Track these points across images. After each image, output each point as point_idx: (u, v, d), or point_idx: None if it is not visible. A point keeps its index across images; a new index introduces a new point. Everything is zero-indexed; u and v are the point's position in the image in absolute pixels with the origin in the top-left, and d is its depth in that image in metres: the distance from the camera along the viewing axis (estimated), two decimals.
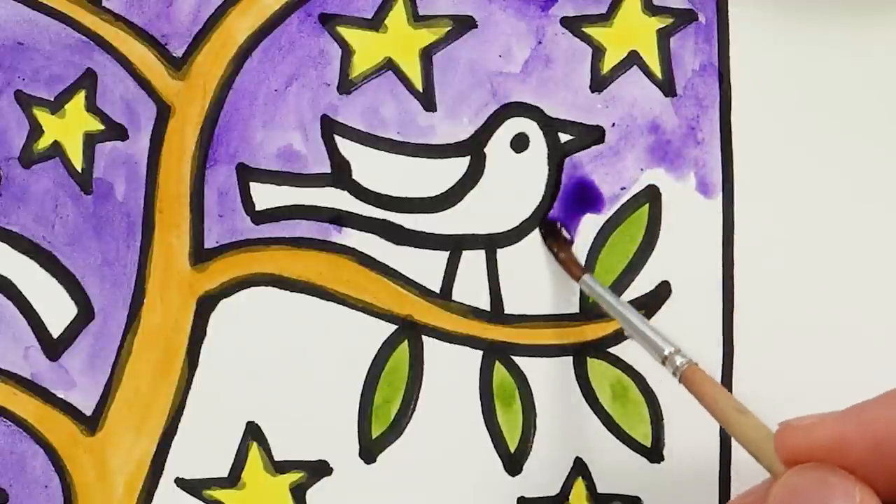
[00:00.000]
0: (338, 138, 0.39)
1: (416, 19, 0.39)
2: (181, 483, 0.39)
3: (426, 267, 0.39)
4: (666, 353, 0.32)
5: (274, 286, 0.39)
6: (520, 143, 0.39)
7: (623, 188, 0.39)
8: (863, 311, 0.39)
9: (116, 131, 0.39)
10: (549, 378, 0.39)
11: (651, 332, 0.34)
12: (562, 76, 0.39)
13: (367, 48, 0.39)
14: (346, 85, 0.39)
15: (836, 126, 0.39)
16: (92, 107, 0.39)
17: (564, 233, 0.39)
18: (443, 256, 0.39)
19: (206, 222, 0.39)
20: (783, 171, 0.39)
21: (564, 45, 0.39)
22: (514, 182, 0.39)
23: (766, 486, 0.26)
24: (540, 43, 0.39)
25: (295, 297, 0.39)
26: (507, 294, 0.39)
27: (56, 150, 0.39)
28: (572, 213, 0.39)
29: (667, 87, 0.39)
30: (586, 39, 0.39)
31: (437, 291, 0.39)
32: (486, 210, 0.39)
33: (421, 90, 0.39)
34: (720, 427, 0.39)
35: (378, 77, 0.39)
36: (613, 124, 0.39)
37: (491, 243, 0.39)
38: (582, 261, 0.39)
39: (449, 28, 0.39)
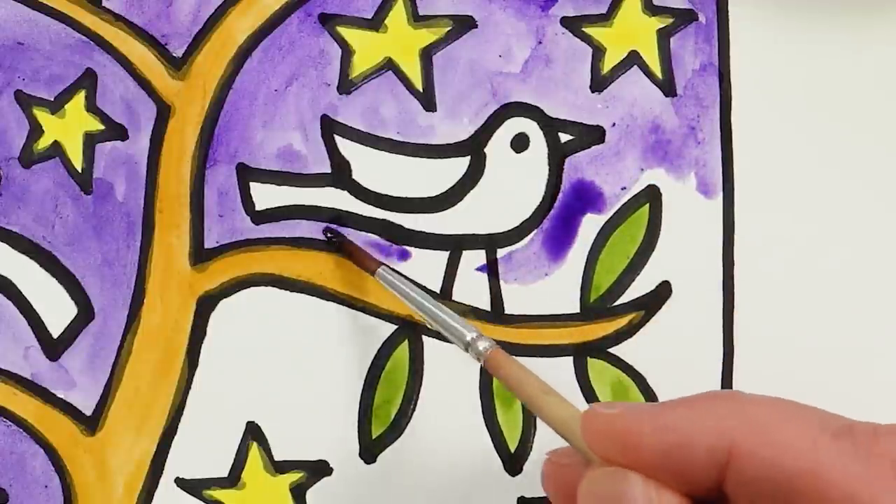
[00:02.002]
0: (338, 138, 0.39)
1: (416, 19, 0.39)
2: (181, 483, 0.39)
3: (426, 267, 0.39)
4: (468, 338, 0.31)
5: (274, 286, 0.39)
6: (520, 143, 0.39)
7: (623, 188, 0.39)
8: (863, 311, 0.39)
9: (116, 131, 0.39)
10: (549, 378, 0.39)
11: (451, 318, 0.33)
12: (562, 76, 0.39)
13: (367, 48, 0.39)
14: (346, 85, 0.39)
15: (837, 126, 0.39)
16: (92, 107, 0.39)
17: (343, 235, 0.39)
18: (443, 256, 0.39)
19: (206, 222, 0.39)
20: (783, 170, 0.39)
21: (564, 45, 0.39)
22: (514, 182, 0.39)
23: (577, 455, 0.27)
24: (540, 43, 0.39)
25: (295, 297, 0.39)
26: (507, 294, 0.39)
27: (56, 150, 0.39)
28: (572, 213, 0.39)
29: (667, 87, 0.39)
30: (586, 39, 0.39)
31: (437, 291, 0.39)
32: (486, 210, 0.39)
33: (421, 90, 0.39)
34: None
35: (378, 77, 0.39)
36: (613, 124, 0.39)
37: (491, 243, 0.39)
38: (582, 261, 0.39)
39: (449, 28, 0.39)
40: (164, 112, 0.39)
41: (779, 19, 0.39)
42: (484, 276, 0.39)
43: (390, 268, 0.37)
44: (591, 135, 0.39)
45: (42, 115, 0.39)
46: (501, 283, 0.39)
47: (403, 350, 0.39)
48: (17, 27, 0.39)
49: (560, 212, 0.39)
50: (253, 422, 0.39)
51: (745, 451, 0.24)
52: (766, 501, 0.24)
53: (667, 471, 0.25)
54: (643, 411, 0.26)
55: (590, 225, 0.39)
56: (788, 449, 0.24)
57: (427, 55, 0.39)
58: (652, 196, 0.39)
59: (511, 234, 0.39)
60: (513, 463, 0.39)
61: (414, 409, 0.39)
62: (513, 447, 0.39)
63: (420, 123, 0.39)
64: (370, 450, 0.39)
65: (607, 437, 0.26)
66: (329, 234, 0.38)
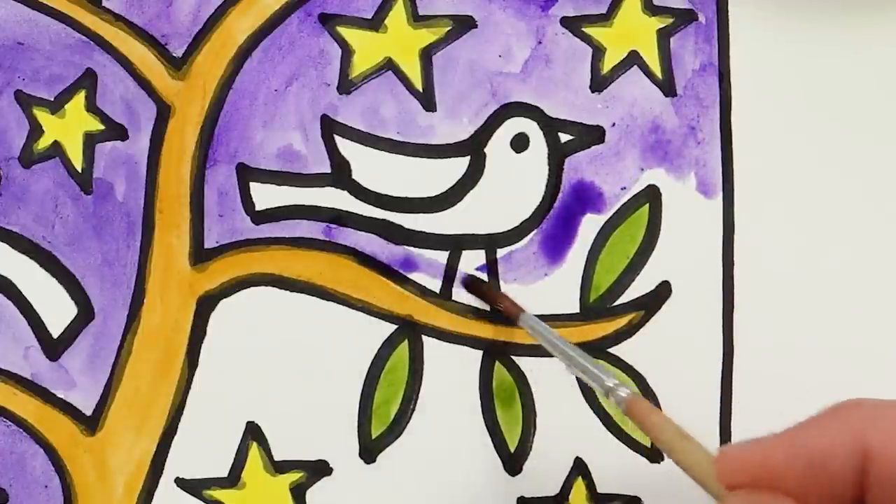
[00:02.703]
0: (338, 138, 0.39)
1: (416, 19, 0.39)
2: (181, 483, 0.39)
3: (426, 267, 0.39)
4: (610, 384, 0.32)
5: (274, 286, 0.39)
6: (520, 143, 0.39)
7: (623, 188, 0.39)
8: (863, 311, 0.39)
9: (116, 131, 0.39)
10: (549, 378, 0.39)
11: (593, 366, 0.33)
12: (562, 76, 0.39)
13: (367, 48, 0.39)
14: (346, 85, 0.39)
15: (837, 126, 0.39)
16: (92, 107, 0.39)
17: (485, 280, 0.39)
18: (443, 256, 0.39)
19: (206, 222, 0.39)
20: (783, 171, 0.39)
21: (564, 45, 0.39)
22: (514, 182, 0.39)
23: None
24: (540, 43, 0.39)
25: (295, 297, 0.39)
26: (506, 294, 0.39)
27: (56, 150, 0.39)
28: (572, 213, 0.39)
29: (667, 87, 0.39)
30: (586, 39, 0.39)
31: (437, 291, 0.39)
32: (486, 210, 0.39)
33: (421, 90, 0.39)
34: (720, 427, 0.39)
35: (378, 77, 0.39)
36: (613, 124, 0.39)
37: (491, 243, 0.39)
38: (582, 261, 0.39)
39: (449, 28, 0.39)
40: (164, 112, 0.39)
41: (779, 19, 0.39)
42: (484, 276, 0.39)
43: (532, 315, 0.37)
44: (591, 135, 0.39)
45: (42, 115, 0.39)
46: (501, 283, 0.39)
47: (403, 350, 0.39)
48: (17, 27, 0.39)
49: (560, 212, 0.39)
50: (253, 422, 0.39)
51: (883, 453, 0.24)
52: None
53: (809, 492, 0.25)
54: (774, 439, 0.26)
55: (590, 225, 0.39)
56: None
57: (427, 55, 0.39)
58: (652, 196, 0.39)
59: (511, 234, 0.39)
60: (513, 463, 0.39)
61: (414, 409, 0.39)
62: (513, 447, 0.39)
63: (420, 123, 0.39)
64: (370, 450, 0.39)
65: (743, 471, 0.26)
66: (472, 282, 0.39)
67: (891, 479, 0.24)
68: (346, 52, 0.39)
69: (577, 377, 0.38)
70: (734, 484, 0.26)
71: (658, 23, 0.39)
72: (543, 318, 0.39)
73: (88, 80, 0.39)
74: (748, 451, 0.26)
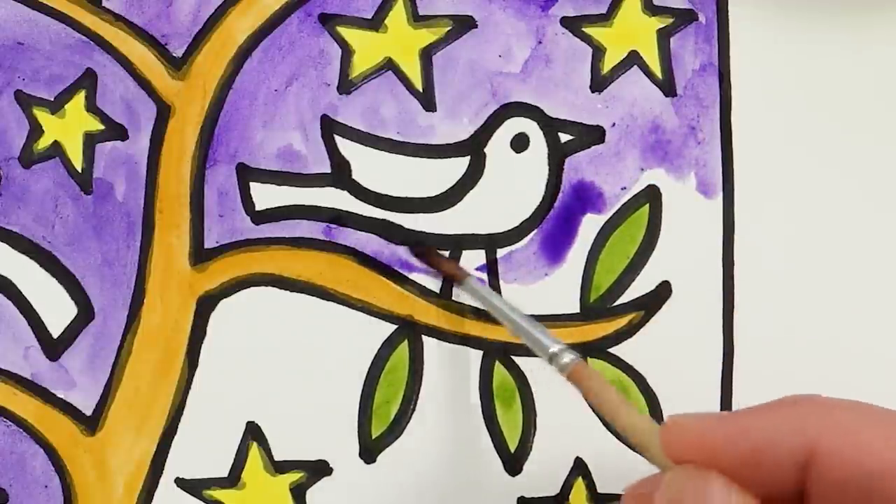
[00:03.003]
0: (338, 138, 0.39)
1: (416, 19, 0.39)
2: (181, 483, 0.39)
3: (426, 267, 0.39)
4: (553, 350, 0.32)
5: (274, 286, 0.39)
6: (520, 143, 0.39)
7: (623, 188, 0.39)
8: (863, 311, 0.39)
9: (116, 131, 0.39)
10: (549, 378, 0.39)
11: (537, 330, 0.33)
12: (562, 76, 0.39)
13: (367, 48, 0.39)
14: (346, 85, 0.39)
15: (837, 126, 0.39)
16: (92, 107, 0.39)
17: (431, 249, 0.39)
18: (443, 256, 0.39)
19: (206, 222, 0.39)
20: (783, 171, 0.39)
21: (564, 45, 0.39)
22: (514, 182, 0.39)
23: (657, 479, 0.27)
24: (540, 43, 0.39)
25: (295, 297, 0.39)
26: (507, 294, 0.39)
27: (56, 150, 0.39)
28: (572, 213, 0.39)
29: (667, 87, 0.39)
30: (586, 39, 0.39)
31: (437, 291, 0.39)
32: (486, 210, 0.39)
33: (421, 90, 0.39)
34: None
35: (378, 77, 0.39)
36: (613, 124, 0.39)
37: (491, 243, 0.39)
38: (582, 261, 0.39)
39: (449, 28, 0.39)
40: (164, 112, 0.39)
41: (779, 19, 0.39)
42: (484, 276, 0.39)
43: (478, 278, 0.37)
44: (591, 135, 0.39)
45: (42, 115, 0.39)
46: (501, 283, 0.39)
47: (403, 350, 0.39)
48: (17, 27, 0.39)
49: (560, 212, 0.39)
50: (253, 422, 0.39)
51: (829, 452, 0.24)
52: (848, 503, 0.24)
53: (748, 475, 0.25)
54: (723, 417, 0.26)
55: (590, 225, 0.39)
56: (873, 450, 0.24)
57: (427, 55, 0.39)
58: (652, 196, 0.39)
59: (511, 234, 0.39)
60: (513, 463, 0.39)
61: (414, 409, 0.39)
62: (513, 447, 0.39)
63: (420, 123, 0.39)
64: (370, 450, 0.39)
65: (688, 444, 0.26)
66: (416, 249, 0.39)
67: (831, 479, 0.24)
68: (346, 52, 0.39)
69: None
70: (678, 456, 0.26)
71: (658, 23, 0.39)
72: (543, 318, 0.39)
73: (88, 80, 0.39)
74: (693, 426, 0.26)
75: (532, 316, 0.38)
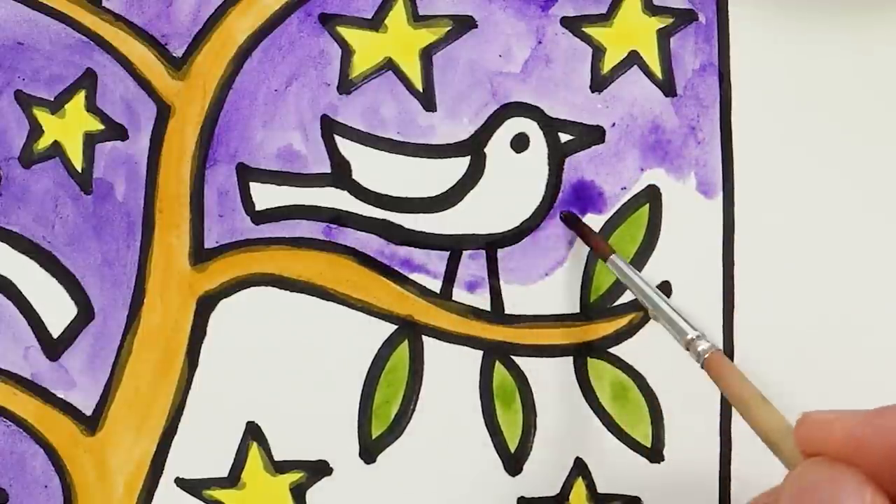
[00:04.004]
0: (338, 138, 0.39)
1: (416, 19, 0.39)
2: (181, 483, 0.39)
3: (426, 267, 0.39)
4: (689, 336, 0.31)
5: (274, 286, 0.39)
6: (520, 143, 0.39)
7: (623, 188, 0.39)
8: (863, 311, 0.39)
9: (116, 131, 0.39)
10: (549, 378, 0.39)
11: (676, 315, 0.33)
12: (562, 76, 0.39)
13: (367, 48, 0.39)
14: (346, 85, 0.39)
15: (837, 126, 0.39)
16: (92, 107, 0.39)
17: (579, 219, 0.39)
18: (443, 256, 0.39)
19: (206, 222, 0.39)
20: (783, 171, 0.39)
21: (564, 45, 0.39)
22: (514, 182, 0.39)
23: (780, 490, 0.26)
24: (540, 43, 0.39)
25: (295, 297, 0.39)
26: (506, 294, 0.39)
27: (56, 150, 0.39)
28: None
29: (667, 87, 0.39)
30: (586, 39, 0.39)
31: (437, 291, 0.39)
32: (486, 210, 0.39)
33: (421, 90, 0.39)
34: (720, 427, 0.39)
35: (378, 77, 0.39)
36: (613, 124, 0.39)
37: (491, 243, 0.39)
38: (582, 261, 0.39)
39: (449, 28, 0.39)
40: (164, 112, 0.39)
41: (779, 19, 0.39)
42: (484, 276, 0.39)
43: (621, 256, 0.37)
44: (591, 135, 0.39)
45: (42, 115, 0.39)
46: (501, 283, 0.39)
47: (403, 350, 0.39)
48: (17, 27, 0.39)
49: (560, 212, 0.39)
50: (253, 422, 0.39)
51: None
52: None
53: (885, 475, 0.24)
54: (861, 415, 0.25)
55: (590, 225, 0.39)
56: None
57: (427, 55, 0.39)
58: (652, 196, 0.39)
59: (511, 234, 0.39)
60: (513, 463, 0.39)
61: (414, 409, 0.39)
62: (513, 447, 0.39)
63: (420, 123, 0.39)
64: (370, 450, 0.39)
65: (824, 440, 0.25)
66: (567, 215, 0.39)
67: None
68: (346, 52, 0.39)
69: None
70: (812, 451, 0.25)
71: (658, 23, 0.39)
72: (543, 318, 0.39)
73: (88, 80, 0.39)
74: (831, 421, 0.25)
75: (529, 316, 0.38)
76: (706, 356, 0.30)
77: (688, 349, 0.31)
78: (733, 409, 0.39)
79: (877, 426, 0.24)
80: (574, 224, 0.39)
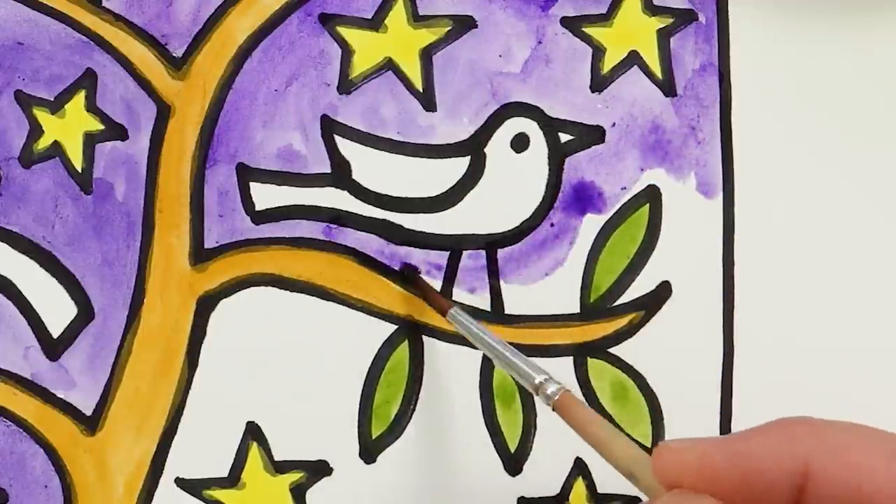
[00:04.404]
0: (338, 138, 0.39)
1: (416, 19, 0.39)
2: (181, 483, 0.39)
3: (426, 267, 0.39)
4: (538, 381, 0.31)
5: (274, 286, 0.39)
6: (520, 143, 0.39)
7: (623, 188, 0.39)
8: (863, 311, 0.39)
9: (116, 131, 0.39)
10: None
11: (522, 361, 0.32)
12: (562, 76, 0.39)
13: (367, 48, 0.39)
14: (346, 85, 0.39)
15: (837, 126, 0.39)
16: (92, 107, 0.39)
17: (420, 275, 0.39)
18: (443, 256, 0.39)
19: (206, 222, 0.39)
20: (783, 171, 0.39)
21: (564, 45, 0.39)
22: (514, 182, 0.39)
23: None
24: (540, 43, 0.39)
25: (295, 297, 0.39)
26: (506, 294, 0.39)
27: (56, 150, 0.39)
28: (572, 213, 0.39)
29: (667, 87, 0.39)
30: (586, 39, 0.39)
31: (438, 292, 0.39)
32: (486, 210, 0.39)
33: (421, 90, 0.39)
34: (720, 427, 0.39)
35: (378, 77, 0.39)
36: (613, 124, 0.39)
37: (491, 243, 0.39)
38: (582, 261, 0.39)
39: (449, 28, 0.39)
40: (164, 112, 0.39)
41: (779, 19, 0.39)
42: (484, 276, 0.39)
43: (462, 309, 0.36)
44: (591, 135, 0.39)
45: (42, 115, 0.39)
46: (501, 283, 0.39)
47: (403, 350, 0.39)
48: (17, 27, 0.39)
49: (560, 212, 0.39)
50: (253, 422, 0.39)
51: (822, 474, 0.24)
52: None
53: (742, 499, 0.24)
54: (716, 441, 0.25)
55: (590, 225, 0.39)
56: (865, 470, 0.24)
57: (427, 55, 0.39)
58: (652, 196, 0.39)
59: (511, 234, 0.39)
60: (513, 463, 0.39)
61: (414, 409, 0.39)
62: (513, 447, 0.39)
63: (420, 123, 0.39)
64: (370, 450, 0.39)
65: (680, 470, 0.25)
66: (406, 270, 0.38)
67: (826, 501, 0.24)
68: (346, 52, 0.39)
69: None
70: (670, 482, 0.25)
71: (658, 23, 0.39)
72: (543, 318, 0.39)
73: (88, 80, 0.39)
74: (687, 451, 0.25)
75: (529, 316, 0.38)
76: (556, 398, 0.30)
77: (537, 393, 0.31)
78: (733, 408, 0.39)
79: (728, 452, 0.25)
80: (412, 281, 0.39)
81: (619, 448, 0.28)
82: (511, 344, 0.39)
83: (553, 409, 0.31)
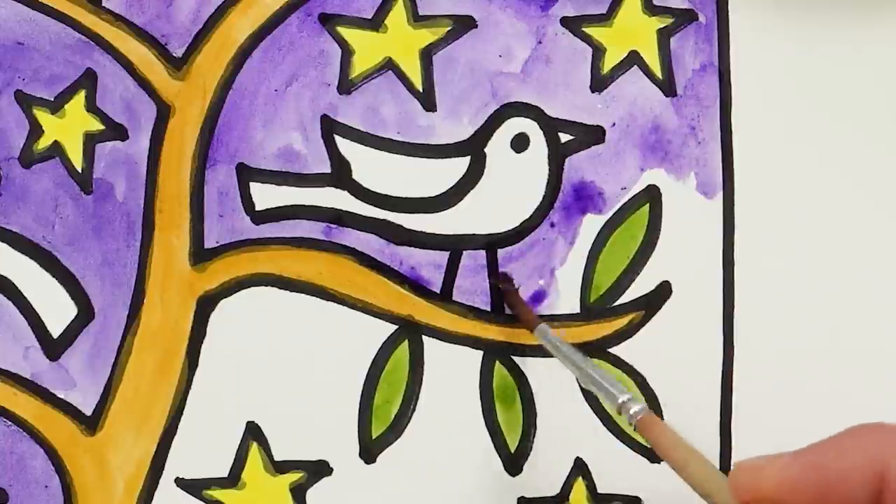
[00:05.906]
0: (338, 138, 0.39)
1: (416, 19, 0.39)
2: (181, 483, 0.39)
3: (426, 267, 0.39)
4: (621, 400, 0.32)
5: (274, 286, 0.39)
6: (520, 143, 0.39)
7: (623, 188, 0.39)
8: (863, 311, 0.39)
9: (116, 131, 0.39)
10: (549, 378, 0.39)
11: (605, 380, 0.33)
12: (562, 76, 0.39)
13: (367, 48, 0.39)
14: (346, 85, 0.39)
15: (837, 125, 0.39)
16: (92, 107, 0.39)
17: (515, 284, 0.39)
18: (443, 256, 0.39)
19: (206, 222, 0.39)
20: (783, 171, 0.39)
21: (564, 45, 0.39)
22: (514, 182, 0.39)
23: None
24: (540, 43, 0.39)
25: (295, 297, 0.39)
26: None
27: (56, 150, 0.39)
28: (572, 213, 0.39)
29: (667, 86, 0.39)
30: (586, 39, 0.39)
31: (437, 291, 0.39)
32: (486, 210, 0.39)
33: (421, 90, 0.39)
34: (720, 427, 0.39)
35: (378, 77, 0.39)
36: (613, 124, 0.39)
37: (491, 243, 0.39)
38: (582, 261, 0.39)
39: (449, 28, 0.39)
40: (164, 112, 0.39)
41: (779, 19, 0.39)
42: (484, 276, 0.39)
43: (549, 325, 0.37)
44: (591, 135, 0.39)
45: (42, 115, 0.39)
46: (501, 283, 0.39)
47: (403, 350, 0.39)
48: (17, 27, 0.39)
49: (560, 212, 0.39)
50: (253, 422, 0.39)
51: None
52: None
53: None
54: (790, 457, 0.26)
55: (590, 225, 0.39)
56: None
57: (427, 55, 0.39)
58: (652, 196, 0.39)
59: (511, 234, 0.39)
60: (513, 463, 0.39)
61: (414, 409, 0.39)
62: (513, 447, 0.39)
63: (420, 123, 0.39)
64: (370, 450, 0.39)
65: (758, 489, 0.25)
66: (500, 284, 0.39)
67: None
68: (346, 52, 0.39)
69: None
70: (747, 498, 0.26)
71: (658, 23, 0.39)
72: (544, 318, 0.39)
73: (88, 80, 0.39)
74: (764, 468, 0.26)
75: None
76: (639, 418, 0.31)
77: (620, 412, 0.32)
78: (733, 409, 0.39)
79: (804, 464, 0.25)
80: (505, 295, 0.39)
81: (699, 468, 0.29)
82: (511, 344, 0.39)
83: (635, 429, 0.31)
